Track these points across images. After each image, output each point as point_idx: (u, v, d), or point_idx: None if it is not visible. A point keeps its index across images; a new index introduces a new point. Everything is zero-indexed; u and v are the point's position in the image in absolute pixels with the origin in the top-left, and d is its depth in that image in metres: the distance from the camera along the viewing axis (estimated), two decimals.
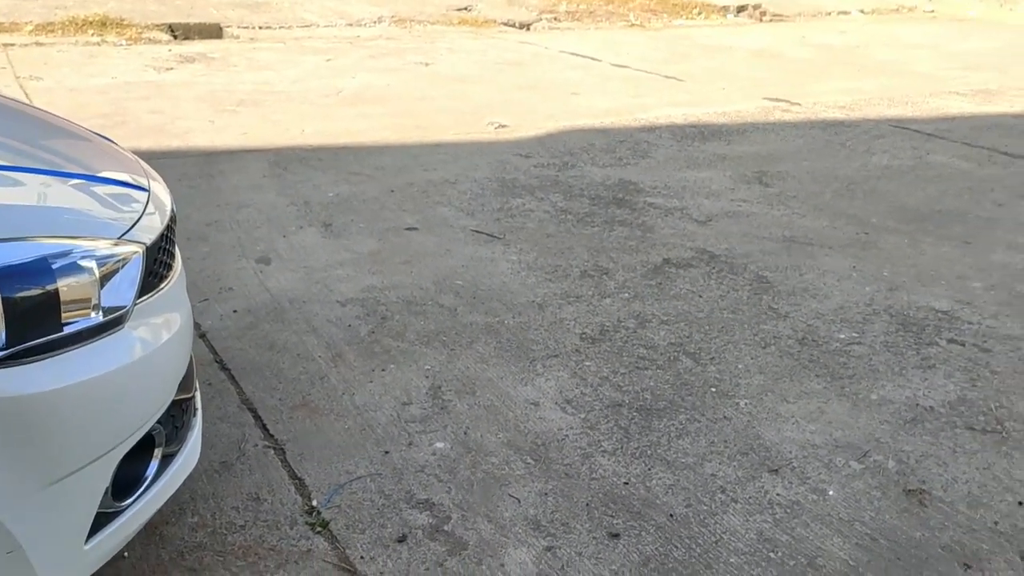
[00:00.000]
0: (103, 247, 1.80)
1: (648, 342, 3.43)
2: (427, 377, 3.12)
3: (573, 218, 4.76)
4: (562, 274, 4.04)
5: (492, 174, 5.46)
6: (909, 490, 2.59)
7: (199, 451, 2.18)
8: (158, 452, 1.97)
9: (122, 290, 1.82)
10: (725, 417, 2.94)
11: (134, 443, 1.83)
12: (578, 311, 3.67)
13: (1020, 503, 2.53)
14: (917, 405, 3.03)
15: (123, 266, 1.82)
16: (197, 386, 2.34)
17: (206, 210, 4.66)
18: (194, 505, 2.42)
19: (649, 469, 2.66)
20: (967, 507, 2.52)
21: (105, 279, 1.78)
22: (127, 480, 1.88)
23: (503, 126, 6.63)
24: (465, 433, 2.81)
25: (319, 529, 2.35)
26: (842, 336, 3.51)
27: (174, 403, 2.04)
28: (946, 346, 3.45)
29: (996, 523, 2.45)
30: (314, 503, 2.45)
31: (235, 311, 3.56)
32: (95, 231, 1.83)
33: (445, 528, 2.38)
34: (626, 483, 2.59)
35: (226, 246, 4.21)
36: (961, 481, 2.63)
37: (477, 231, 4.52)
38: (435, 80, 8.11)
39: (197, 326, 3.41)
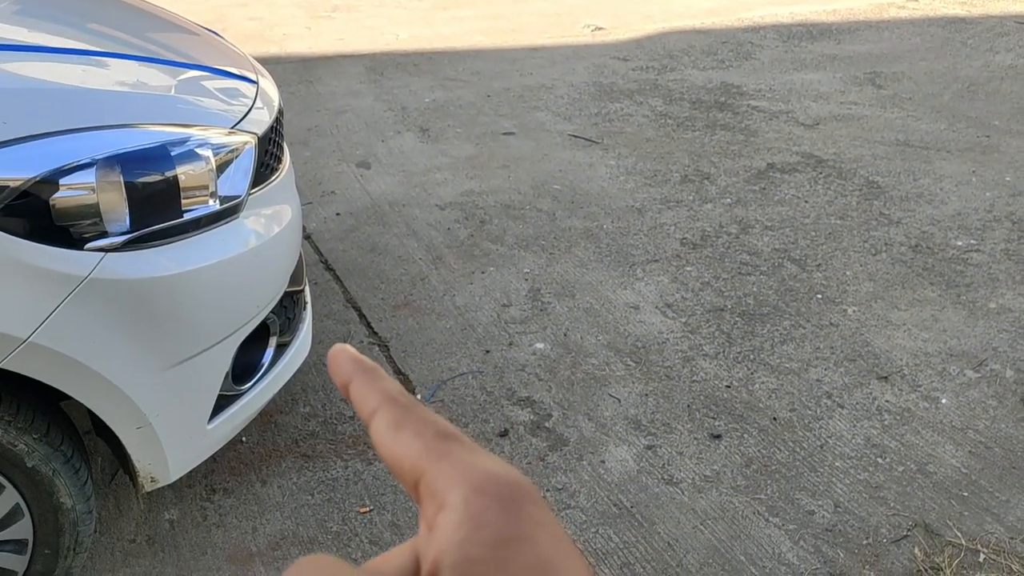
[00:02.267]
0: (217, 136, 1.83)
1: (751, 248, 3.34)
2: (526, 280, 3.13)
3: (673, 122, 4.63)
4: (662, 179, 3.95)
5: (589, 78, 5.33)
6: None
7: (310, 343, 2.24)
8: (273, 340, 2.04)
9: (237, 179, 1.85)
10: (832, 324, 2.87)
11: (251, 330, 1.89)
12: (678, 216, 3.60)
13: None
14: None
15: (237, 156, 1.85)
16: (306, 281, 2.40)
17: (306, 115, 4.71)
18: (306, 396, 2.51)
19: (752, 373, 2.62)
20: None
21: (221, 168, 1.81)
22: (245, 366, 1.95)
23: (600, 28, 6.44)
24: (565, 335, 2.81)
25: None
26: (959, 243, 3.35)
27: (286, 295, 2.10)
28: None
29: None
30: (419, 397, 2.51)
31: (337, 214, 3.61)
32: (209, 120, 1.86)
33: (546, 425, 2.41)
34: (728, 386, 2.57)
35: (327, 151, 4.25)
36: None
37: (575, 136, 4.44)
38: None
39: (303, 229, 3.48)
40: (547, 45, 6.04)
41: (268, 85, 2.24)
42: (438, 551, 0.30)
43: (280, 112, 2.19)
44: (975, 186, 3.83)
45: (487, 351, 2.73)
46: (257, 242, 1.90)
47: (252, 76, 2.17)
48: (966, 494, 2.15)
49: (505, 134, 4.47)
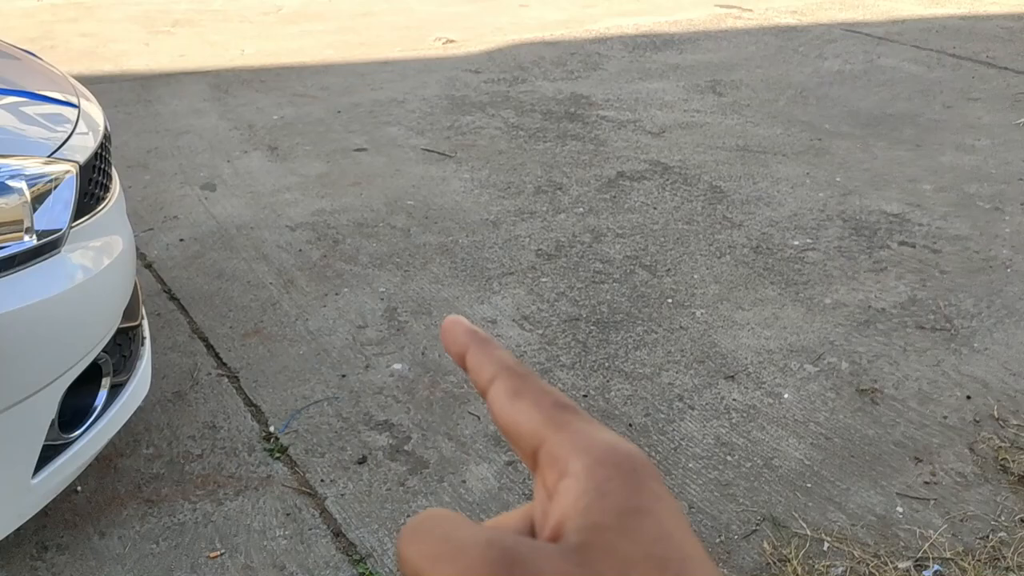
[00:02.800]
0: (33, 166, 1.71)
1: (604, 256, 3.41)
2: (382, 299, 3.08)
3: (525, 134, 4.68)
4: (515, 191, 3.98)
5: (441, 91, 5.33)
6: (862, 390, 2.63)
7: (149, 380, 2.13)
8: (106, 381, 1.92)
9: (56, 212, 1.74)
10: (682, 327, 2.95)
11: (79, 373, 1.78)
12: (533, 228, 3.63)
13: (968, 397, 2.59)
14: (869, 307, 3.07)
15: (56, 186, 1.74)
16: (144, 314, 2.27)
17: (145, 137, 4.50)
18: (149, 436, 2.38)
19: (608, 381, 2.67)
20: (918, 403, 2.57)
21: (37, 200, 1.70)
22: (75, 411, 1.83)
23: (451, 41, 6.46)
24: (423, 354, 2.78)
25: (277, 455, 2.33)
26: (796, 243, 3.53)
27: (120, 331, 1.98)
28: (897, 248, 3.49)
29: (945, 417, 2.51)
30: (271, 429, 2.42)
31: (181, 240, 3.46)
32: (24, 149, 1.73)
33: (405, 448, 2.37)
34: (585, 396, 2.60)
35: (168, 174, 4.07)
36: (912, 379, 2.69)
37: (428, 150, 4.42)
38: None
39: (143, 256, 3.31)
40: (398, 59, 6.00)
41: (92, 109, 2.11)
42: (562, 515, 0.31)
43: (107, 137, 2.07)
44: (809, 187, 4.05)
45: (343, 376, 2.66)
46: (84, 277, 1.79)
47: (73, 100, 2.05)
48: (809, 485, 2.25)
49: (357, 150, 4.40)
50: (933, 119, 4.96)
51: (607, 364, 2.75)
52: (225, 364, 2.70)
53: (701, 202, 3.89)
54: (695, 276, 3.28)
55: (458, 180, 4.08)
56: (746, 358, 2.79)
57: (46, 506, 1.91)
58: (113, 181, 2.09)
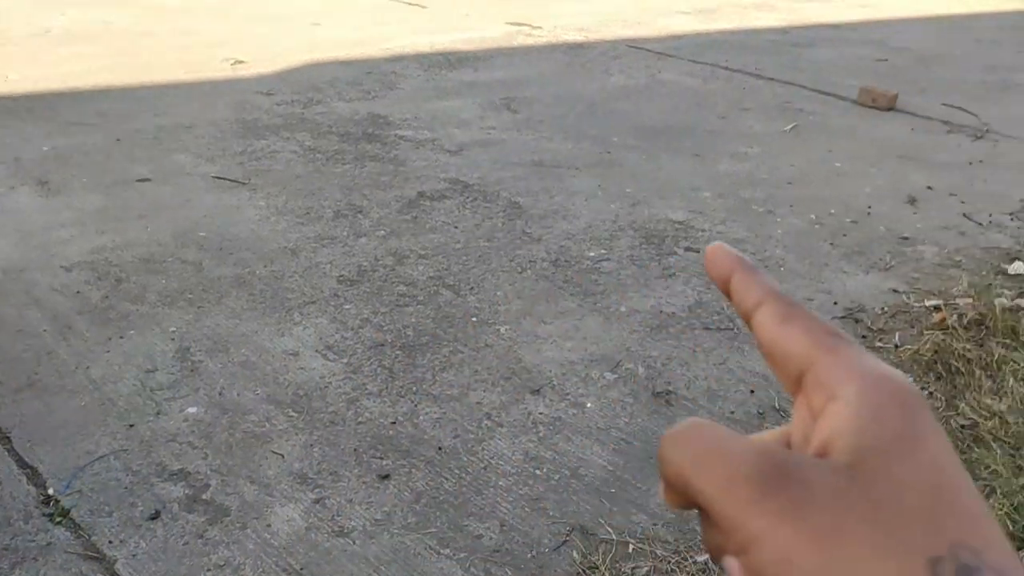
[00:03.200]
0: None
1: (407, 278, 3.39)
2: (173, 340, 2.91)
3: (322, 157, 4.59)
4: (314, 216, 3.89)
5: (232, 115, 5.13)
6: (657, 392, 2.76)
7: None
8: None
9: None
10: (487, 345, 2.98)
11: None
12: (334, 253, 3.56)
13: (752, 391, 2.77)
14: (661, 312, 3.22)
15: None
16: None
17: None
18: None
19: (416, 406, 2.65)
20: (708, 401, 2.73)
21: None
22: None
23: (240, 62, 6.24)
24: (220, 394, 2.65)
25: (59, 519, 2.14)
26: (592, 254, 3.66)
27: None
28: (684, 254, 3.69)
29: (732, 412, 2.67)
30: (51, 492, 2.23)
31: None
32: None
33: (204, 497, 2.25)
34: (393, 423, 2.57)
35: None
36: (701, 378, 2.84)
37: (219, 177, 4.24)
38: (160, 13, 7.46)
39: None
40: (183, 81, 5.73)
41: None
42: (830, 436, 0.31)
43: None
44: (601, 199, 4.21)
45: (131, 425, 2.49)
46: None
47: None
48: (613, 490, 2.33)
49: (140, 181, 4.15)
50: (710, 129, 5.30)
51: (415, 388, 2.73)
52: None
53: (501, 218, 3.96)
54: (498, 293, 3.32)
55: (253, 208, 3.94)
56: (550, 371, 2.85)
57: None
58: None
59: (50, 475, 2.29)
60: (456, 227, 3.85)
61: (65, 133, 4.70)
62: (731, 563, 0.30)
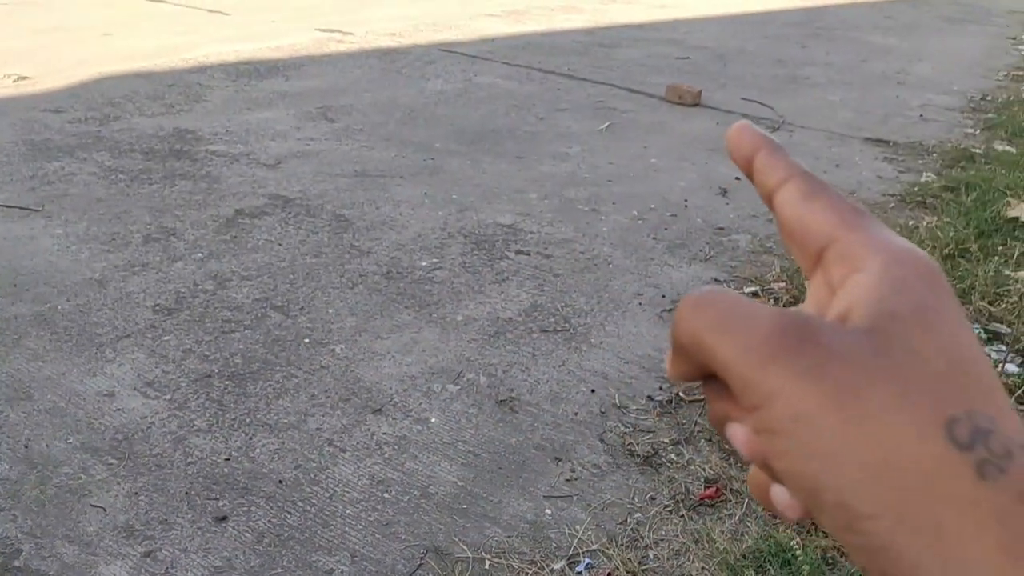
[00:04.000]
0: None
1: (231, 302, 3.21)
2: None
3: (126, 177, 4.28)
4: (121, 242, 3.61)
5: (17, 136, 4.70)
6: (501, 400, 2.74)
7: None
8: None
9: None
10: (323, 366, 2.87)
11: None
12: (147, 281, 3.32)
13: (592, 391, 2.80)
14: (498, 318, 3.22)
15: None
16: None
17: None
18: None
19: (251, 438, 2.50)
20: (551, 405, 2.74)
21: None
22: None
23: (23, 78, 5.74)
24: (26, 447, 2.40)
25: None
26: (424, 263, 3.60)
27: None
28: (515, 258, 3.71)
29: (576, 414, 2.70)
30: None
31: None
32: None
33: (15, 564, 2.02)
34: (227, 459, 2.41)
35: None
36: (543, 382, 2.85)
37: (6, 205, 3.86)
38: None
39: None
40: None
41: None
42: (850, 304, 0.31)
43: None
44: (428, 207, 4.16)
45: None
46: None
47: None
48: (465, 506, 2.29)
49: None
50: (529, 131, 5.37)
51: (248, 420, 2.58)
52: None
53: (327, 233, 3.83)
54: (330, 311, 3.20)
55: (49, 237, 3.61)
56: (391, 388, 2.78)
57: None
58: None
59: None
60: (280, 244, 3.69)
61: None
62: (735, 429, 0.31)
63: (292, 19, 8.03)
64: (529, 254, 3.74)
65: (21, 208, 3.85)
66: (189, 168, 4.44)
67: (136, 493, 2.26)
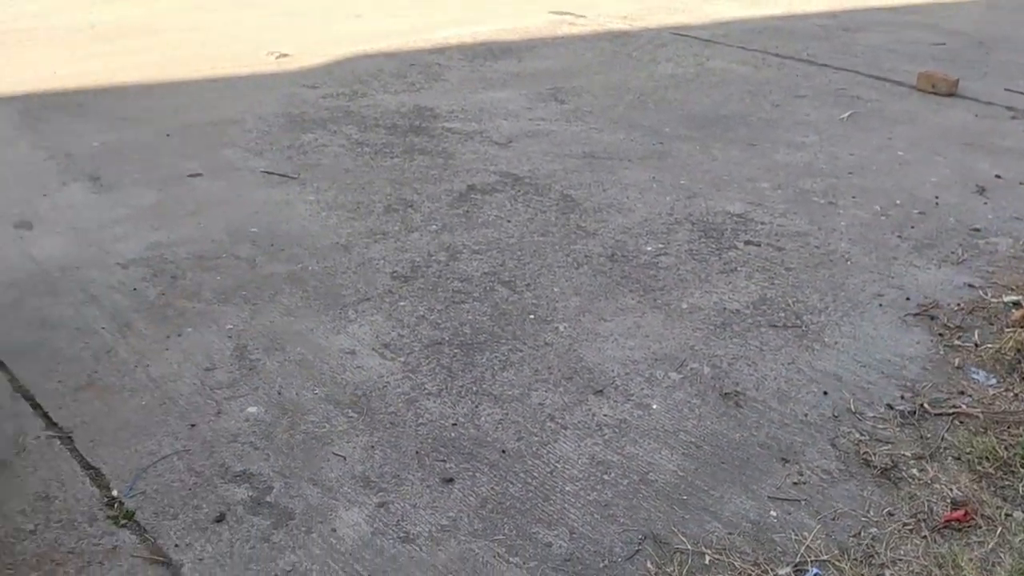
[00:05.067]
0: None
1: (462, 274, 3.33)
2: (230, 337, 2.88)
3: (370, 150, 4.54)
4: (365, 211, 3.84)
5: (279, 109, 5.11)
6: (725, 393, 2.67)
7: None
8: None
9: None
10: (547, 343, 2.91)
11: None
12: (386, 249, 3.51)
13: (825, 392, 2.67)
14: (724, 309, 3.13)
15: None
16: None
17: None
18: None
19: (476, 406, 2.59)
20: (778, 403, 2.63)
21: None
22: None
23: (285, 56, 6.22)
24: (279, 393, 2.61)
25: (123, 522, 2.11)
26: (649, 248, 3.57)
27: None
28: (744, 248, 3.59)
29: (806, 415, 2.58)
30: (115, 493, 2.20)
31: None
32: None
33: (268, 499, 2.21)
34: (454, 424, 2.51)
35: None
36: (770, 378, 2.75)
37: (268, 172, 4.21)
38: (203, 8, 7.47)
39: None
40: (230, 75, 5.71)
41: None
42: None
43: None
44: (656, 192, 4.12)
45: (192, 425, 2.46)
46: None
47: None
48: (685, 497, 2.25)
49: (191, 176, 4.14)
50: (764, 118, 5.17)
51: (475, 388, 2.67)
52: (56, 424, 2.44)
53: (554, 212, 3.88)
54: (555, 289, 3.25)
55: (303, 203, 3.90)
56: (613, 370, 2.78)
57: None
58: None
59: (113, 476, 2.26)
60: (509, 221, 3.78)
61: (115, 128, 4.70)
62: None
63: (527, 2, 8.17)
64: (759, 245, 3.61)
65: (280, 175, 4.18)
66: (427, 144, 4.64)
67: (372, 447, 2.40)
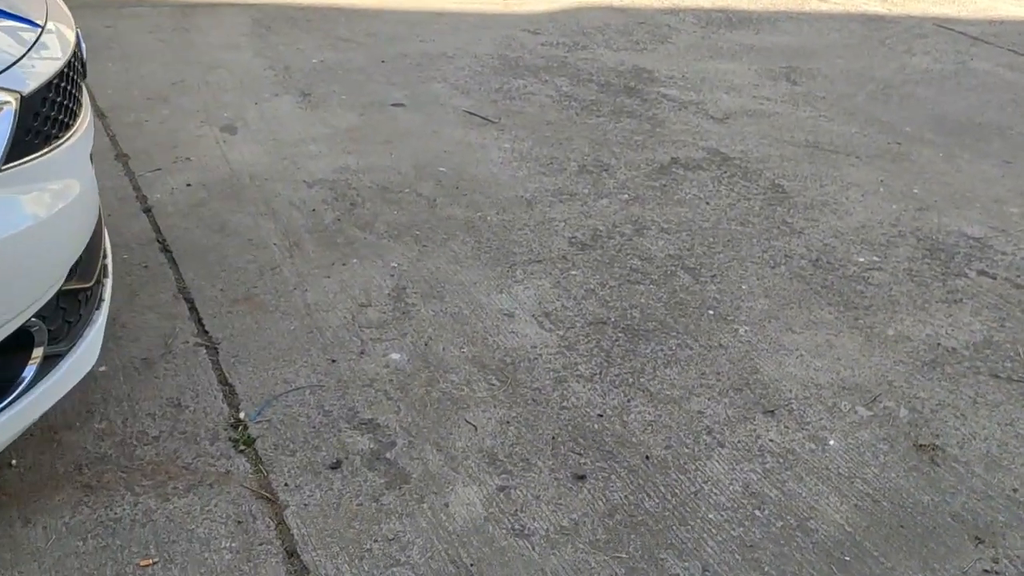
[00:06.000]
0: None
1: (644, 252, 3.07)
2: (392, 276, 2.78)
3: (577, 105, 4.32)
4: (558, 167, 3.64)
5: (495, 50, 4.97)
6: (921, 445, 2.28)
7: (98, 352, 1.86)
8: (39, 352, 1.65)
9: None
10: (721, 345, 2.61)
11: None
12: (570, 211, 3.30)
13: None
14: (938, 345, 2.69)
15: None
16: (108, 274, 2.01)
17: (174, 68, 4.23)
18: (105, 408, 2.12)
19: (628, 401, 2.34)
20: (984, 469, 2.21)
21: None
22: None
23: None
24: (426, 344, 2.48)
25: (242, 447, 2.06)
26: (861, 259, 3.14)
27: (66, 293, 1.71)
28: (975, 279, 3.09)
29: (1015, 490, 2.15)
30: (242, 415, 2.15)
31: (188, 184, 3.19)
32: None
33: (387, 456, 2.08)
34: (600, 415, 2.28)
35: (190, 110, 3.80)
36: (980, 438, 2.32)
37: (470, 112, 4.09)
38: None
39: (144, 199, 3.06)
40: (454, 10, 5.65)
41: (62, 32, 1.82)
42: None
43: (73, 66, 1.79)
44: (882, 197, 3.64)
45: (333, 361, 2.38)
46: (8, 231, 1.51)
47: (38, 19, 1.76)
48: (848, 559, 1.92)
49: (394, 105, 4.09)
50: None
51: (631, 380, 2.42)
52: (206, 332, 2.43)
53: (760, 201, 3.51)
54: (743, 286, 2.92)
55: (497, 149, 3.75)
56: (790, 391, 2.44)
57: None
58: (79, 118, 1.80)
59: (245, 397, 2.22)
60: (707, 203, 3.46)
61: (335, 48, 4.74)
62: None
63: None
64: (995, 278, 3.10)
65: (481, 117, 4.05)
66: (637, 107, 4.36)
67: (507, 422, 2.23)
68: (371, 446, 2.10)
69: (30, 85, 1.56)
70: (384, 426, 2.17)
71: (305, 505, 1.92)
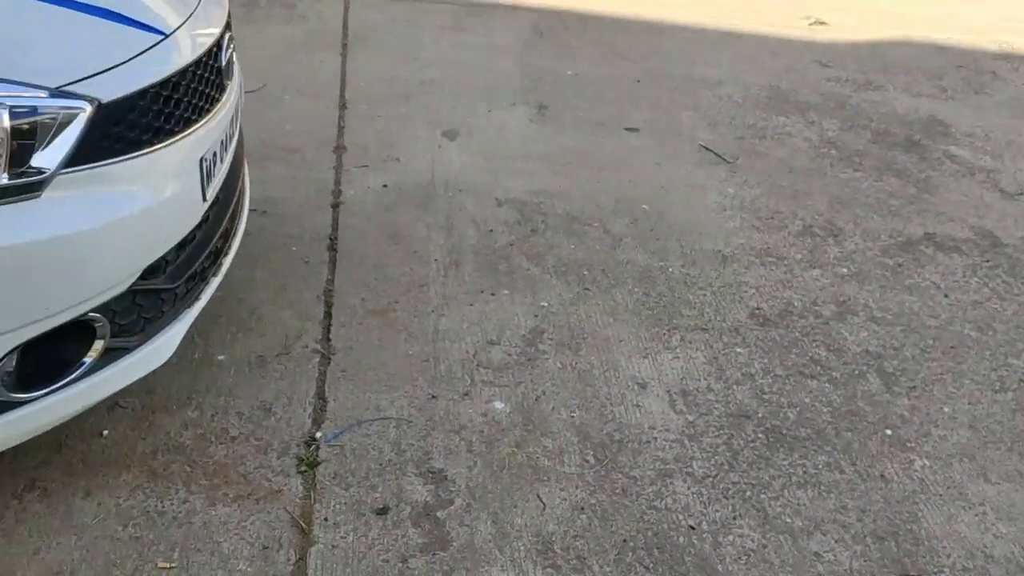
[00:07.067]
0: (27, 95, 1.51)
1: (836, 342, 2.63)
2: (535, 316, 2.63)
3: (836, 154, 3.83)
4: (777, 224, 3.25)
5: (768, 80, 4.57)
6: None
7: (175, 348, 1.91)
8: (99, 345, 1.73)
9: (47, 151, 1.54)
10: (883, 476, 2.16)
11: (40, 332, 1.59)
12: (768, 277, 2.92)
13: None
14: None
15: (55, 123, 1.53)
16: (218, 272, 2.07)
17: (432, 66, 4.35)
18: (203, 398, 2.20)
19: (734, 518, 2.01)
20: None
21: (24, 134, 1.51)
22: (42, 369, 1.66)
23: (820, 23, 5.56)
24: (536, 399, 2.31)
25: (304, 468, 2.03)
26: None
27: (141, 292, 1.78)
28: None
29: None
30: (318, 435, 2.13)
31: (384, 185, 3.25)
32: (23, 72, 1.53)
33: (438, 514, 1.95)
34: (692, 527, 1.98)
35: (424, 110, 3.88)
36: None
37: (705, 147, 3.78)
38: None
39: (338, 194, 3.17)
40: (749, 32, 5.28)
41: (196, 41, 1.88)
42: None
43: (193, 75, 1.84)
44: None
45: (433, 396, 2.29)
46: (64, 231, 1.58)
47: (162, 23, 1.82)
48: None
49: (628, 129, 3.89)
50: None
51: (748, 494, 2.08)
52: (328, 340, 2.45)
53: (1017, 305, 2.88)
54: (945, 408, 2.40)
55: (718, 193, 3.43)
56: (948, 556, 1.95)
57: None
58: (194, 124, 1.85)
59: (332, 415, 2.19)
60: (946, 295, 2.90)
61: (593, 60, 4.62)
62: None
63: None
64: None
65: (716, 154, 3.74)
66: (911, 165, 3.78)
67: (582, 508, 2.00)
68: (427, 499, 1.99)
69: (116, 93, 1.61)
70: (451, 480, 2.04)
71: (333, 547, 1.86)
